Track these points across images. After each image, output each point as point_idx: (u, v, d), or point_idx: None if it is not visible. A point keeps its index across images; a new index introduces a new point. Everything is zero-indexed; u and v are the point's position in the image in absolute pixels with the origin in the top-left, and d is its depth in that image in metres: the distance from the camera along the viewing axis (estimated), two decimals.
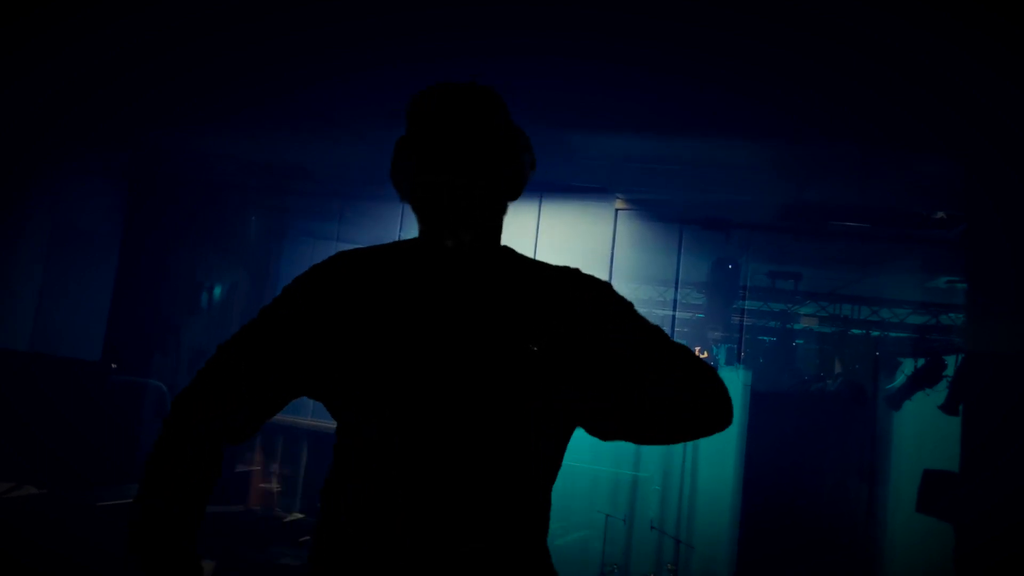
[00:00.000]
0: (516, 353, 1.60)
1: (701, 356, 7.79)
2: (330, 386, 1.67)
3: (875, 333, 8.66)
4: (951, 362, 7.27)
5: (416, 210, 1.69)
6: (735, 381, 7.69)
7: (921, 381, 7.53)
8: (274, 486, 7.62)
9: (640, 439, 1.59)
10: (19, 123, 5.24)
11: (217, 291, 7.42)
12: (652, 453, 7.02)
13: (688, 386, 1.61)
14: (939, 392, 7.04)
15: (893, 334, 8.60)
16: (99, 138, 6.15)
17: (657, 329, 1.69)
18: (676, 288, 7.28)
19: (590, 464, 8.23)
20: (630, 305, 1.72)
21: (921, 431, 7.08)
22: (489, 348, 1.60)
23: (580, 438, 1.68)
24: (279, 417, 7.86)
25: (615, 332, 1.66)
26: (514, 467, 1.60)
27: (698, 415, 1.61)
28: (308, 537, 5.92)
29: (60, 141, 5.75)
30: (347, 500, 1.63)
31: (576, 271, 1.75)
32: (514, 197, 1.72)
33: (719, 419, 1.63)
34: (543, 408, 1.58)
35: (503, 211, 1.72)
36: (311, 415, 7.48)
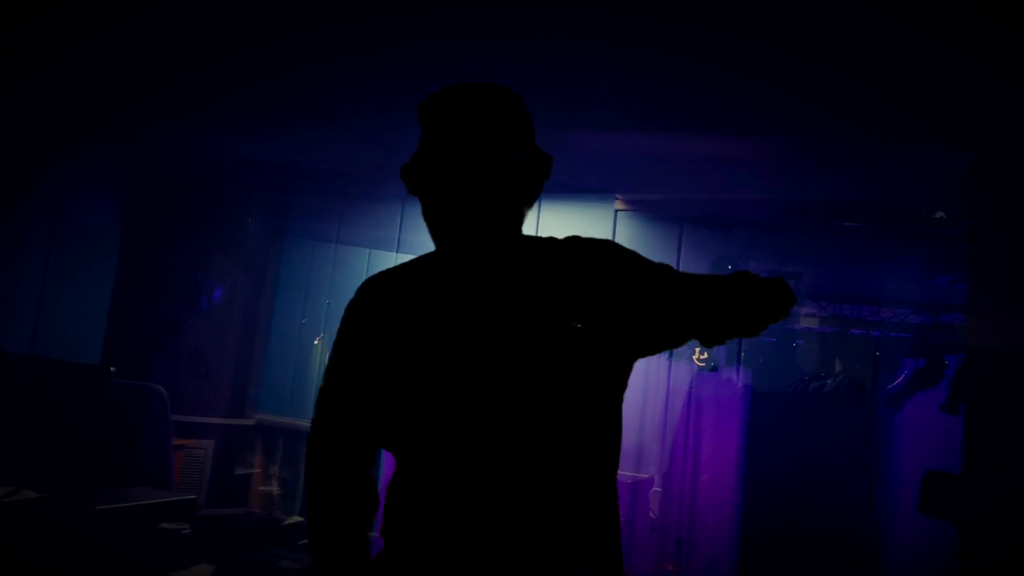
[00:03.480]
0: (522, 348, 1.60)
1: (702, 357, 7.81)
2: (388, 408, 1.72)
3: (875, 333, 8.66)
4: (952, 362, 7.26)
5: (427, 218, 1.71)
6: (735, 382, 7.68)
7: (922, 381, 7.51)
8: (274, 489, 7.63)
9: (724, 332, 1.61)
10: (19, 124, 5.24)
11: (217, 292, 7.42)
12: (652, 454, 7.01)
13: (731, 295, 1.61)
14: (941, 392, 7.03)
15: (894, 334, 8.59)
16: (99, 139, 6.15)
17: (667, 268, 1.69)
18: None
19: None
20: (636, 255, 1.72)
21: (922, 431, 7.07)
22: (499, 343, 1.61)
23: None
24: (280, 419, 7.83)
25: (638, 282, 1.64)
26: (569, 466, 1.62)
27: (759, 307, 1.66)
28: (308, 540, 5.92)
29: (60, 142, 5.74)
30: (409, 520, 1.67)
31: (577, 237, 1.75)
32: (529, 200, 1.73)
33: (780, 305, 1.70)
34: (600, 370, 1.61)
35: (519, 214, 1.73)
36: (311, 417, 7.48)
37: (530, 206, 1.75)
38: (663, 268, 1.65)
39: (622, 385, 1.70)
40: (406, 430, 1.68)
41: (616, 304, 1.61)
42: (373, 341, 1.74)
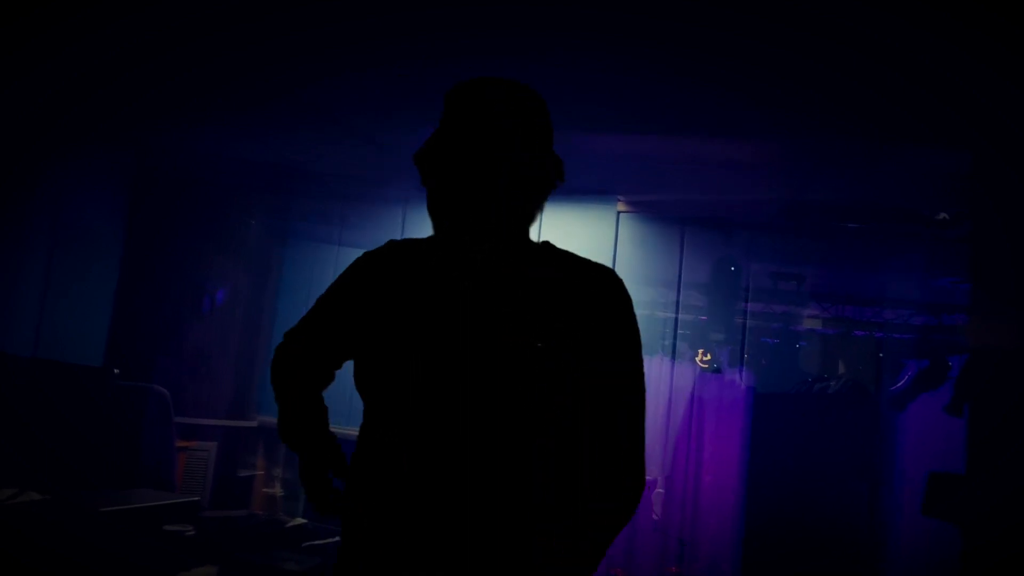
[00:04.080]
0: (521, 348, 1.60)
1: (705, 359, 7.79)
2: (361, 358, 1.76)
3: (879, 334, 8.64)
4: (955, 363, 7.25)
5: (430, 211, 1.73)
6: (738, 383, 7.68)
7: (925, 382, 7.51)
8: (277, 491, 7.63)
9: None
10: (19, 124, 5.24)
11: (220, 294, 7.42)
12: (655, 455, 7.00)
13: (609, 470, 1.64)
14: (944, 393, 7.02)
15: (897, 335, 8.58)
16: (100, 139, 6.16)
17: (636, 374, 1.71)
18: (679, 290, 7.27)
19: None
20: (632, 334, 1.73)
21: (925, 432, 7.06)
22: (497, 342, 1.62)
23: None
24: None
25: (598, 355, 1.67)
26: (568, 467, 1.63)
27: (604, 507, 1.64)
28: (311, 542, 5.92)
29: (60, 142, 5.75)
30: (368, 490, 1.69)
31: (604, 274, 1.74)
32: (532, 201, 1.74)
33: (619, 517, 1.66)
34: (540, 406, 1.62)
35: (520, 215, 1.73)
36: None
37: (536, 207, 1.75)
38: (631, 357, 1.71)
39: (625, 388, 1.68)
40: (393, 415, 1.68)
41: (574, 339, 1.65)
42: (366, 301, 1.78)
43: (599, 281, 1.71)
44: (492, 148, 1.65)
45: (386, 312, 1.71)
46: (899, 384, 8.12)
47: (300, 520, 6.56)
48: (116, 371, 5.87)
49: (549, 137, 1.76)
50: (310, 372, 1.90)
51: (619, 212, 6.40)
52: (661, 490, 7.20)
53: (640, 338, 1.73)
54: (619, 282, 1.73)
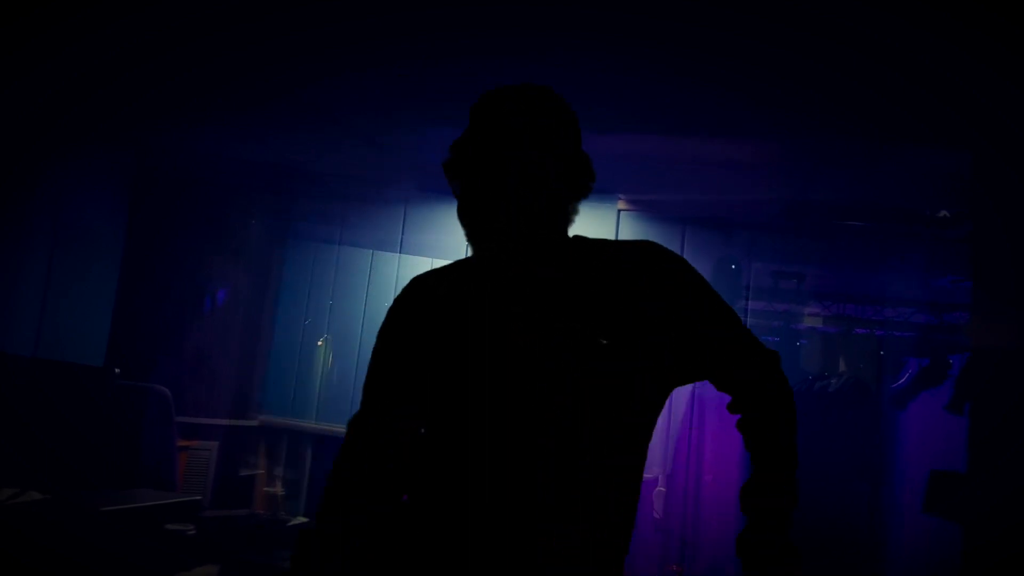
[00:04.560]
0: (586, 347, 1.61)
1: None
2: (423, 390, 1.76)
3: (879, 332, 8.63)
4: (956, 361, 7.24)
5: (461, 217, 1.72)
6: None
7: (926, 380, 7.50)
8: (278, 490, 7.62)
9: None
10: (19, 124, 5.24)
11: (221, 294, 7.42)
12: (656, 454, 7.00)
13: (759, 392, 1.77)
14: (945, 391, 7.01)
15: (898, 333, 8.57)
16: (100, 139, 6.16)
17: (733, 317, 1.77)
18: None
19: None
20: (707, 289, 1.78)
21: (926, 430, 7.06)
22: (556, 344, 1.62)
23: None
24: (283, 421, 7.83)
25: (696, 320, 1.72)
26: (568, 467, 1.62)
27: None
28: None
29: (60, 142, 5.75)
30: (425, 496, 1.71)
31: (651, 249, 1.79)
32: (545, 200, 1.73)
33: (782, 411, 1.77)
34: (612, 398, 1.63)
35: (531, 214, 1.71)
36: (315, 419, 7.47)
37: (549, 206, 1.73)
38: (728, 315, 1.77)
39: (631, 391, 1.67)
40: (432, 423, 1.73)
41: (667, 330, 1.68)
42: (408, 335, 1.80)
43: (647, 257, 1.76)
44: (501, 148, 1.65)
45: (434, 345, 1.74)
46: (900, 382, 8.12)
47: (301, 519, 6.56)
48: (117, 371, 5.87)
49: (565, 135, 1.76)
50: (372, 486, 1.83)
51: (620, 211, 6.40)
52: (662, 488, 7.20)
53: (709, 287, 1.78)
54: (661, 250, 1.78)
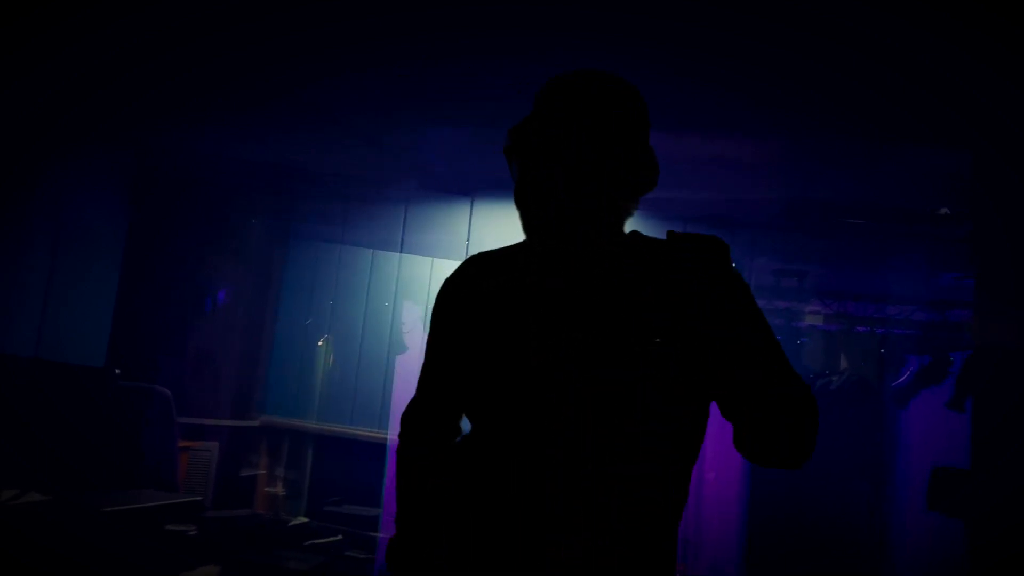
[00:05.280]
0: (638, 346, 1.59)
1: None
2: (472, 381, 1.74)
3: (881, 330, 8.64)
4: (958, 359, 7.24)
5: (516, 204, 1.69)
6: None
7: (927, 378, 7.50)
8: (280, 490, 7.63)
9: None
10: (19, 124, 5.24)
11: (221, 294, 7.43)
12: None
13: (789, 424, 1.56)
14: (947, 389, 7.01)
15: (899, 331, 8.58)
16: (100, 139, 6.16)
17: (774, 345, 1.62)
18: None
19: None
20: (753, 308, 1.65)
21: (928, 428, 7.06)
22: (609, 343, 1.60)
23: None
24: (285, 421, 7.83)
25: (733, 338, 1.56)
26: (573, 476, 1.61)
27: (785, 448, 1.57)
28: (313, 541, 5.93)
29: (60, 142, 5.75)
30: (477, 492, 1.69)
31: (709, 244, 1.60)
32: (633, 194, 1.73)
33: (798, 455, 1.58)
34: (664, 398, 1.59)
35: (615, 210, 1.71)
36: (316, 419, 7.48)
37: (601, 202, 1.67)
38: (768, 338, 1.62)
39: (634, 400, 1.61)
40: (509, 435, 1.68)
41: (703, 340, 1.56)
42: (454, 329, 1.78)
43: (702, 253, 1.58)
44: (557, 139, 1.62)
45: (470, 345, 1.73)
46: (901, 380, 8.12)
47: (302, 519, 6.57)
48: (118, 371, 5.87)
49: (629, 127, 1.68)
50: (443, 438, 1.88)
51: None
52: None
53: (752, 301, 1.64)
54: (721, 249, 1.60)
